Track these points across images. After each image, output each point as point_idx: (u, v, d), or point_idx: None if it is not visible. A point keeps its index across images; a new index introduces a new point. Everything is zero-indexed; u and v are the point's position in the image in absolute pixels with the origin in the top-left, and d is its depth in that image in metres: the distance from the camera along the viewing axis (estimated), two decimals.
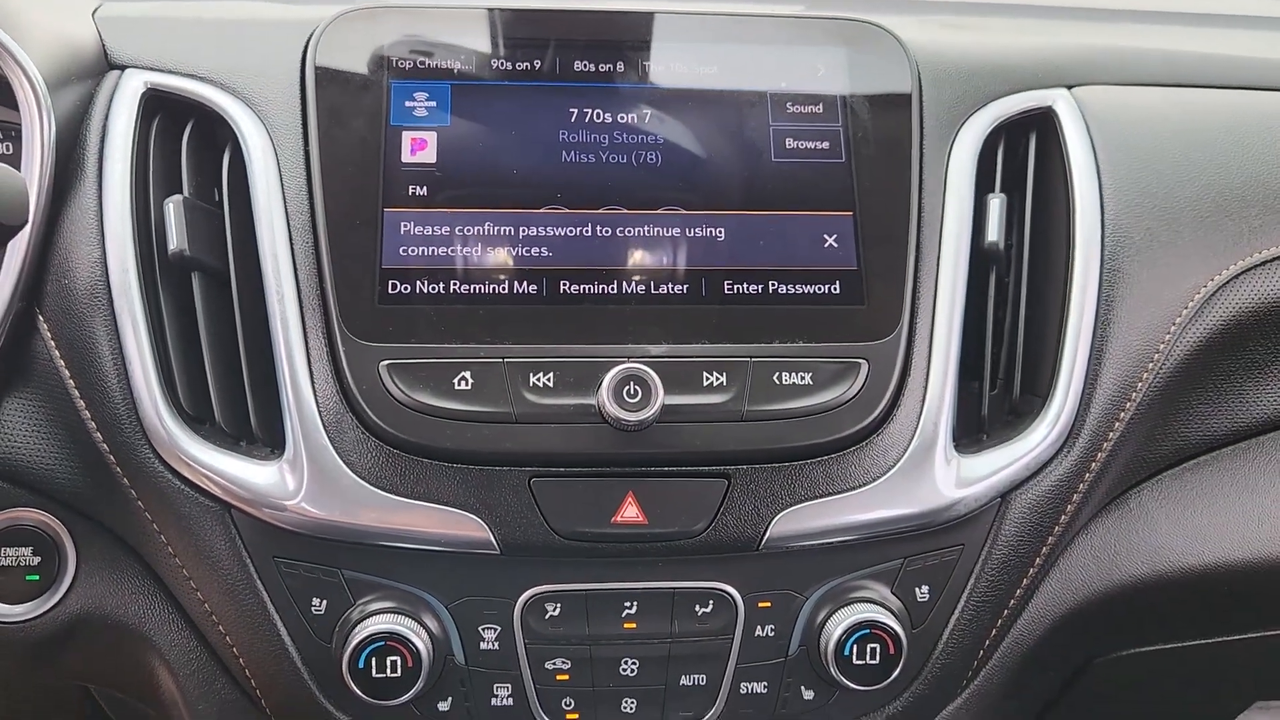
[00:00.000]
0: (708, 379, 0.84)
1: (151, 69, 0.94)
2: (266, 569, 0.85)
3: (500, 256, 0.87)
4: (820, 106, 0.94)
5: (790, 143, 0.93)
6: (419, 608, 0.85)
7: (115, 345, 0.85)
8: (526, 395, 0.83)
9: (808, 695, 0.90)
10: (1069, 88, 1.01)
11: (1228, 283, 0.96)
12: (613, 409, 0.80)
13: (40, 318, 0.87)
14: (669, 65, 0.94)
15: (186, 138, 0.92)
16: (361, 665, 0.82)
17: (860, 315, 0.88)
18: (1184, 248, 0.96)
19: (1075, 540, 0.98)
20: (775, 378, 0.85)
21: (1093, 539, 0.98)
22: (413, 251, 0.86)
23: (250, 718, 0.93)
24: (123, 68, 0.95)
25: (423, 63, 0.92)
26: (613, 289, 0.87)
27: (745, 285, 0.88)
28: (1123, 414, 0.92)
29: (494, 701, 0.87)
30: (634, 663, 0.88)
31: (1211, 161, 1.00)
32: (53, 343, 0.86)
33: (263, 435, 0.86)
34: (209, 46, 0.96)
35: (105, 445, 0.85)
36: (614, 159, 0.91)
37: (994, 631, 0.94)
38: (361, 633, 0.82)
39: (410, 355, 0.83)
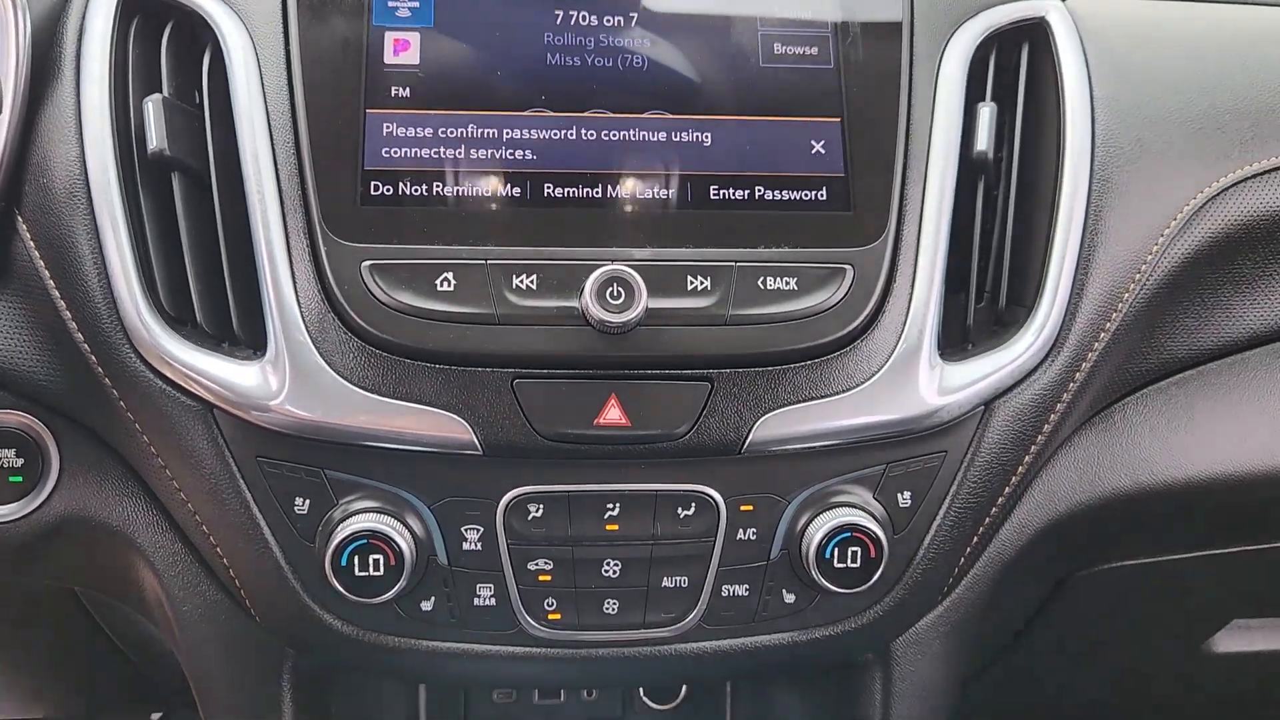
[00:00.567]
0: (692, 283, 0.84)
1: None
2: (249, 469, 0.85)
3: (483, 159, 0.86)
4: (810, 12, 0.92)
5: (779, 48, 0.91)
6: (402, 508, 0.85)
7: (95, 245, 0.84)
8: (509, 296, 0.82)
9: (789, 598, 0.90)
10: None
11: (1217, 195, 0.96)
12: (596, 310, 0.79)
13: (19, 218, 0.86)
14: None
15: (166, 39, 0.90)
16: (344, 563, 0.83)
17: (846, 221, 0.87)
18: (1174, 159, 0.96)
19: (1058, 452, 0.98)
20: (760, 282, 0.84)
21: (1075, 451, 0.99)
22: (395, 153, 0.86)
23: (235, 618, 0.94)
24: None
25: None
26: (597, 192, 0.86)
27: (731, 190, 0.87)
28: (1108, 325, 0.92)
29: (477, 601, 0.88)
30: (616, 564, 0.88)
31: (1205, 74, 1.00)
32: (32, 243, 0.86)
33: (244, 336, 0.85)
34: None
35: (86, 345, 0.85)
36: (600, 62, 0.90)
37: (975, 540, 0.94)
38: (344, 531, 0.83)
39: (392, 256, 0.82)
